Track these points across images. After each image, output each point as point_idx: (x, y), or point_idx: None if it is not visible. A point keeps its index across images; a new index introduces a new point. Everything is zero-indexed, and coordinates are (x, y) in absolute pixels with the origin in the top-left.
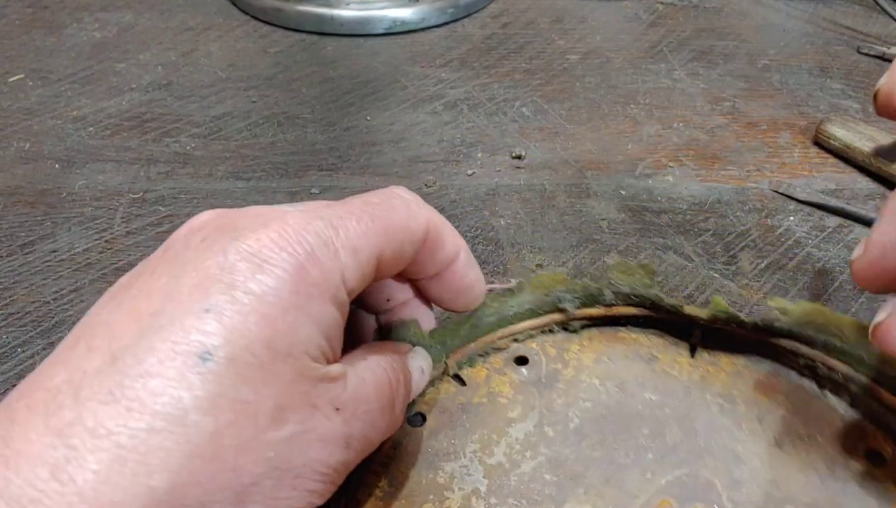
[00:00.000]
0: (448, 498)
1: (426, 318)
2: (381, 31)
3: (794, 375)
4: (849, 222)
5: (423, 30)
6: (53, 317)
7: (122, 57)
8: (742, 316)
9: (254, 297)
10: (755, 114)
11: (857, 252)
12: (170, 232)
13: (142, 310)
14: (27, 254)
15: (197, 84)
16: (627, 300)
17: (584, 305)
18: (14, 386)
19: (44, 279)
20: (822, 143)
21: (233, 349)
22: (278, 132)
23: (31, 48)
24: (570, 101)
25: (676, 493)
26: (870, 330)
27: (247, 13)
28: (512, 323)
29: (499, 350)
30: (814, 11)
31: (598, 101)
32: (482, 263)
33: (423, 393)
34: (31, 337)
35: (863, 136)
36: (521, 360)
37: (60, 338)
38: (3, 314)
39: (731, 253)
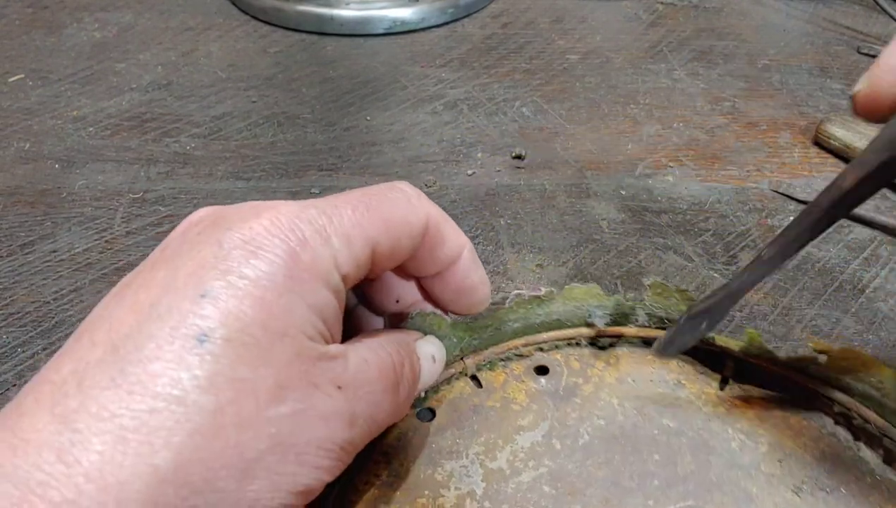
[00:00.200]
0: (443, 497)
1: None
2: (381, 31)
3: (827, 421)
4: (848, 222)
5: (423, 30)
6: (53, 317)
7: (122, 57)
8: (777, 353)
9: (248, 282)
10: (755, 114)
11: (859, 86)
12: (170, 232)
13: (141, 302)
14: (27, 253)
15: (197, 84)
16: (661, 324)
17: (616, 323)
18: (14, 385)
19: (44, 279)
20: (822, 143)
21: (229, 331)
22: (278, 132)
23: (31, 48)
24: (570, 101)
25: None
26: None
27: (247, 13)
28: (538, 332)
29: (521, 357)
30: (814, 11)
31: (598, 101)
32: (482, 263)
33: (436, 390)
34: (31, 337)
35: (863, 136)
36: (542, 370)
37: (60, 338)
38: (3, 314)
39: (732, 253)
